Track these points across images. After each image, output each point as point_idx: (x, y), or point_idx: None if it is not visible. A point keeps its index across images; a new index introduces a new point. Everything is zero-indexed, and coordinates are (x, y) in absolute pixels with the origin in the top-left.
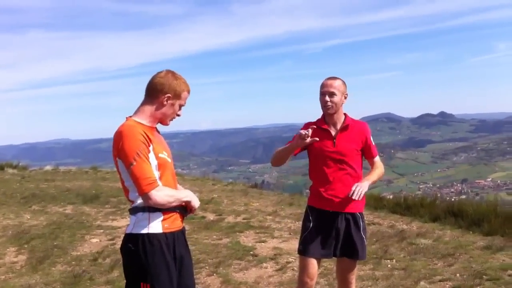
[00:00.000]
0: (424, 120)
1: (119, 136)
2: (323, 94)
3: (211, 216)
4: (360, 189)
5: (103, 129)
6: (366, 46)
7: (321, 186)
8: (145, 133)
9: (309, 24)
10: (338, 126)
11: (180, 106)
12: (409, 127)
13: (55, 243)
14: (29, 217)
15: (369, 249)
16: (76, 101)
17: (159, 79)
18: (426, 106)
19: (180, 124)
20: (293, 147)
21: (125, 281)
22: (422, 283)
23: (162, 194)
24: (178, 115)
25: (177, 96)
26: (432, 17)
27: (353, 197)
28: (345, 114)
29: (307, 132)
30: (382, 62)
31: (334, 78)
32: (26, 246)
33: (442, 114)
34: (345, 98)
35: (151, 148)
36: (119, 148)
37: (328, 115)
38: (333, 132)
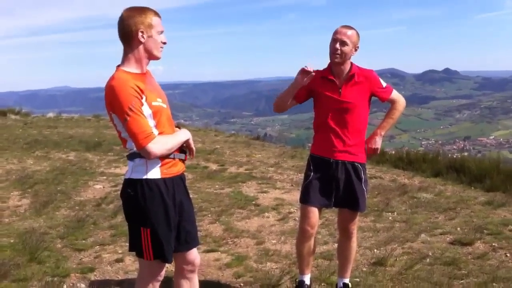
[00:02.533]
0: (428, 77)
1: (111, 90)
2: (334, 40)
3: (213, 166)
4: (375, 146)
5: (106, 77)
6: None
7: (324, 135)
8: (136, 85)
9: None
10: (345, 75)
11: (159, 32)
12: (413, 83)
13: (58, 188)
14: (32, 163)
15: (371, 202)
16: (79, 49)
17: (124, 21)
18: (430, 62)
19: (182, 75)
20: (294, 86)
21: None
22: (422, 235)
23: (159, 145)
24: (164, 43)
25: (149, 26)
26: None
27: (369, 156)
28: (351, 63)
29: (310, 69)
30: (386, 17)
31: (349, 27)
32: (29, 190)
33: (447, 70)
34: (356, 50)
35: (143, 99)
36: (112, 103)
37: (334, 64)
38: (338, 82)
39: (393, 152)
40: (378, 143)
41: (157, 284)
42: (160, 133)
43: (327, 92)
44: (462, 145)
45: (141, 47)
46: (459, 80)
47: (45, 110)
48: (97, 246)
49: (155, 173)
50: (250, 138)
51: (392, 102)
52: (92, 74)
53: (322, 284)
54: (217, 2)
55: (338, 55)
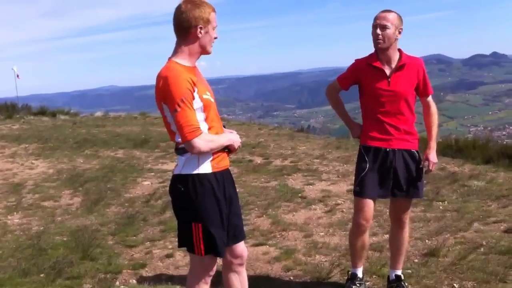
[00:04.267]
0: (476, 61)
1: (164, 81)
2: (374, 27)
3: (258, 160)
4: (433, 162)
5: (151, 75)
6: None
7: (377, 125)
8: (190, 78)
9: None
10: (393, 64)
11: (213, 28)
12: (459, 68)
13: (108, 186)
14: (82, 161)
15: None
16: (124, 48)
17: (183, 15)
18: (477, 47)
19: (225, 69)
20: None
21: (177, 222)
22: (475, 224)
23: (204, 142)
24: (216, 38)
25: (207, 22)
26: None
27: (427, 172)
28: (399, 50)
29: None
30: (432, 1)
31: (388, 10)
32: (80, 189)
33: (495, 54)
34: (399, 33)
35: (195, 93)
36: (165, 93)
37: (380, 51)
38: (387, 71)
39: (441, 139)
40: (435, 157)
41: (209, 279)
42: (210, 128)
43: (375, 81)
44: None
45: (197, 42)
46: (507, 64)
47: (93, 109)
48: (148, 242)
49: (206, 168)
50: (293, 130)
51: (429, 107)
52: (137, 72)
53: (373, 276)
54: None
55: (380, 41)
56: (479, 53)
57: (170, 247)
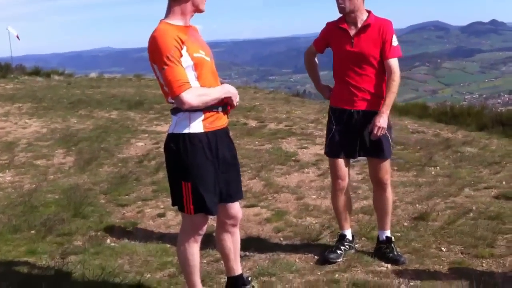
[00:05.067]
0: (474, 29)
1: (152, 41)
2: None
3: (253, 123)
4: (380, 127)
5: (146, 37)
6: None
7: (342, 86)
8: (178, 36)
9: None
10: (359, 25)
11: None
12: (457, 35)
13: (101, 146)
14: (76, 121)
15: (413, 156)
16: (120, 9)
17: None
18: (476, 14)
19: (221, 33)
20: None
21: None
22: (466, 190)
23: (193, 95)
24: None
25: None
26: None
27: (373, 136)
28: (369, 11)
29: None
30: None
31: None
32: (73, 148)
33: (493, 22)
34: None
35: (184, 50)
36: (153, 53)
37: (344, 15)
38: (352, 32)
39: (435, 106)
40: (383, 122)
41: (199, 238)
42: (201, 86)
43: (340, 42)
44: (507, 98)
45: (190, 1)
46: (506, 32)
47: (88, 70)
48: (140, 202)
49: (197, 127)
50: (289, 95)
51: (390, 72)
52: (134, 34)
53: (363, 238)
54: None
55: (342, 6)
56: (478, 21)
57: (162, 206)
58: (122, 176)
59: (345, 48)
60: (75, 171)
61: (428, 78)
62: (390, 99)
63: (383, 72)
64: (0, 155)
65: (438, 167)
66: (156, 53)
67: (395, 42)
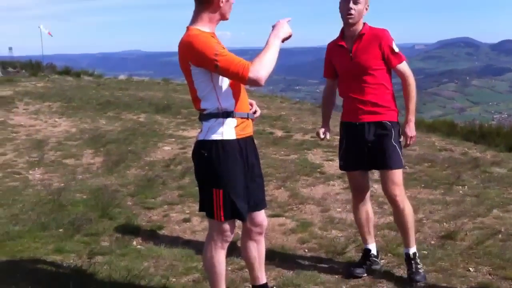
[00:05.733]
0: (504, 47)
1: (189, 44)
2: (346, 0)
3: (279, 133)
4: (411, 136)
5: (176, 41)
6: None
7: (347, 100)
8: (211, 36)
9: None
10: (355, 37)
11: None
12: (487, 53)
13: (129, 148)
14: (104, 123)
15: (440, 175)
16: (151, 13)
17: None
18: (507, 31)
19: (250, 41)
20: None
21: (196, 187)
22: (495, 211)
23: (258, 67)
24: (233, 2)
25: None
26: None
27: (407, 146)
28: (364, 23)
29: (322, 136)
30: None
31: None
32: (102, 149)
33: None
34: (367, 9)
35: None
36: (197, 56)
37: (347, 26)
38: (349, 46)
39: (463, 124)
40: (412, 130)
41: (226, 245)
42: (234, 88)
43: (340, 59)
44: None
45: (218, 10)
46: None
47: (117, 72)
48: (166, 206)
49: (230, 134)
50: (315, 106)
51: (402, 77)
52: (163, 38)
53: (389, 254)
54: None
55: (351, 16)
56: (509, 39)
57: (187, 211)
58: (149, 179)
59: (345, 64)
60: (103, 172)
61: (456, 95)
62: (412, 104)
63: (386, 82)
64: (30, 152)
65: (466, 187)
66: (200, 55)
67: (396, 48)
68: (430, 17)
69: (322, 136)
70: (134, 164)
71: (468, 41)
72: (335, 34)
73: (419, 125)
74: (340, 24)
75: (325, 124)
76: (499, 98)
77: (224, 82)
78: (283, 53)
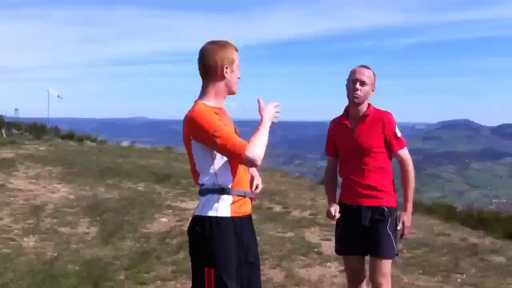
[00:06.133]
0: (504, 131)
1: (191, 120)
2: (353, 81)
3: (277, 208)
4: (407, 226)
5: (180, 110)
6: (449, 46)
7: (346, 181)
8: (215, 113)
9: (392, 19)
10: (359, 117)
11: (238, 67)
12: (487, 136)
13: (126, 218)
14: (103, 190)
15: (439, 261)
16: (157, 80)
17: (208, 55)
18: (508, 115)
19: (253, 112)
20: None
21: (190, 263)
22: None
23: (254, 147)
24: (239, 78)
25: (232, 61)
26: None
27: (402, 236)
28: (369, 104)
29: (333, 213)
30: (463, 65)
31: (366, 67)
32: (98, 218)
33: None
34: (373, 91)
35: None
36: (197, 131)
37: (353, 105)
38: (352, 126)
39: (462, 208)
40: (410, 220)
41: None
42: (233, 168)
43: (342, 138)
44: None
45: (223, 82)
46: None
47: (120, 138)
48: (159, 281)
49: (225, 211)
50: (315, 182)
51: (402, 163)
52: (168, 106)
53: None
54: (295, 41)
55: (357, 96)
56: (508, 123)
57: None
58: (143, 252)
59: (347, 144)
60: (98, 242)
61: (456, 177)
62: (411, 192)
63: (386, 166)
64: (26, 218)
65: (464, 275)
66: (200, 130)
67: (399, 133)
68: (432, 97)
69: (334, 214)
70: (129, 235)
71: (468, 124)
72: (337, 109)
73: (417, 207)
74: (343, 101)
75: (333, 202)
76: (498, 182)
77: (223, 158)
78: (284, 126)
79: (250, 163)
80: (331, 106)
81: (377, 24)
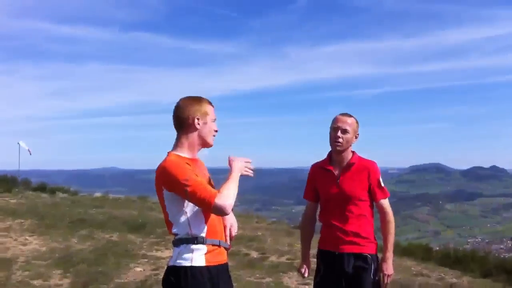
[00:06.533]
0: (475, 173)
1: (164, 170)
2: (335, 129)
3: (254, 254)
4: (387, 274)
5: (153, 160)
6: (416, 95)
7: (328, 228)
8: (187, 164)
9: (360, 71)
10: (344, 165)
11: (213, 120)
12: (458, 178)
13: (99, 269)
14: (76, 241)
15: None
16: (127, 132)
17: (181, 108)
18: (477, 159)
19: (225, 161)
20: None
21: None
22: None
23: (225, 197)
24: (216, 131)
25: (204, 113)
26: (482, 70)
27: (384, 285)
28: (353, 152)
29: (306, 276)
30: (431, 113)
31: (349, 115)
32: (71, 270)
33: (494, 168)
34: (356, 138)
35: None
36: (169, 181)
37: (336, 152)
38: (336, 172)
39: (438, 248)
40: (391, 268)
41: None
42: (207, 218)
43: (325, 184)
44: (510, 244)
45: (195, 133)
46: (506, 178)
47: (93, 189)
48: None
49: (199, 261)
50: (291, 226)
51: (382, 212)
52: (139, 156)
53: None
54: (264, 92)
55: (339, 143)
56: (478, 166)
57: None
58: None
59: (330, 190)
60: None
61: (430, 218)
62: (391, 242)
63: (368, 213)
64: None
65: None
66: (172, 180)
67: (382, 183)
68: (403, 143)
69: (305, 275)
70: (103, 286)
71: (440, 167)
72: (310, 156)
73: (394, 248)
74: (315, 147)
75: (306, 259)
76: (472, 222)
77: (196, 208)
78: (259, 173)
79: (220, 211)
80: (301, 154)
81: (345, 76)
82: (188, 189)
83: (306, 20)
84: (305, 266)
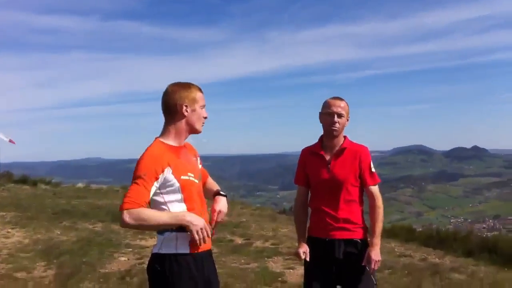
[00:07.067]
0: (457, 154)
1: (140, 157)
2: (330, 114)
3: (239, 240)
4: (376, 260)
5: (136, 149)
6: (399, 77)
7: (317, 214)
8: (165, 160)
9: (343, 55)
10: (335, 150)
11: (202, 107)
12: (441, 160)
13: (83, 260)
14: (59, 233)
15: (401, 282)
16: (111, 121)
17: (169, 95)
18: (459, 140)
19: (211, 148)
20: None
21: None
22: None
23: (132, 216)
24: (206, 117)
25: (192, 100)
26: (466, 51)
27: (370, 270)
28: (345, 136)
29: (302, 256)
30: (414, 94)
31: (340, 98)
32: (55, 261)
33: (476, 148)
34: (348, 121)
35: (169, 173)
36: (135, 166)
37: (330, 137)
38: (327, 157)
39: (421, 229)
40: (378, 254)
41: None
42: (189, 208)
43: (316, 169)
44: (492, 224)
45: (183, 120)
46: (488, 158)
47: (76, 180)
48: None
49: (184, 248)
50: (276, 211)
51: (372, 198)
52: (123, 146)
53: None
54: (249, 78)
55: (336, 129)
56: (460, 146)
57: None
58: None
59: (321, 175)
60: (55, 286)
61: (413, 200)
62: (379, 228)
63: (358, 199)
64: None
65: None
66: (136, 168)
67: (373, 168)
68: (385, 125)
69: (303, 257)
70: (88, 276)
71: (422, 148)
72: (295, 141)
73: None
74: (300, 133)
75: (303, 242)
76: (454, 202)
77: (177, 196)
78: (244, 159)
79: (120, 219)
80: (286, 139)
81: (328, 60)
82: (133, 184)
83: (289, 2)
84: (303, 248)
